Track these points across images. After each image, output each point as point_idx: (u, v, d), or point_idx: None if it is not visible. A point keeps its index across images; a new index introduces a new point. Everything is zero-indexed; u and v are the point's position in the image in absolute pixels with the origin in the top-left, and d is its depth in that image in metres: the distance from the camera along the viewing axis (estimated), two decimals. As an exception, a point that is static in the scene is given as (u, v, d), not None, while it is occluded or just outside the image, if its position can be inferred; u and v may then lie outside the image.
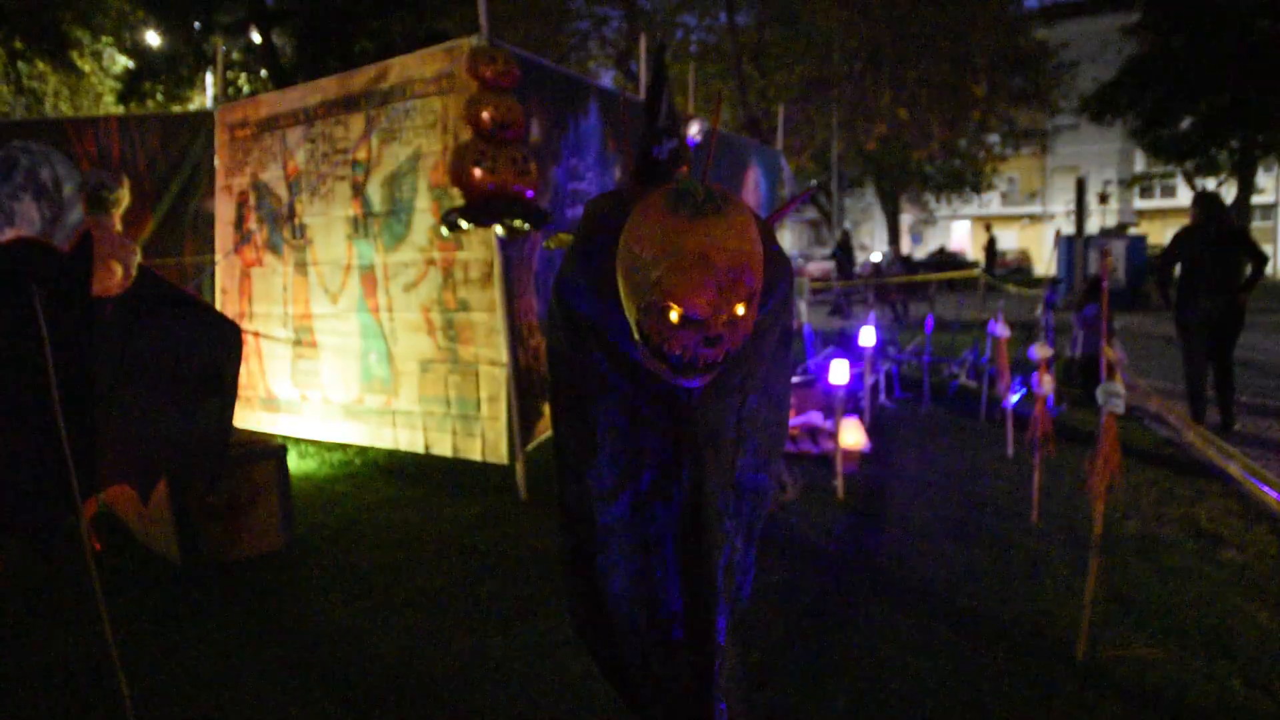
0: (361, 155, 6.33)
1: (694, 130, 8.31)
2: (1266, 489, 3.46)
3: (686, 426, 1.86)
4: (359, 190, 6.38)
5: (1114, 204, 37.66)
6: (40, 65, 19.85)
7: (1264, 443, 7.02)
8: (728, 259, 1.58)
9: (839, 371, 5.70)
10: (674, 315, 1.61)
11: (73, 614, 4.20)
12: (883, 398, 9.06)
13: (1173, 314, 7.80)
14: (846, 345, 9.63)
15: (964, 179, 31.89)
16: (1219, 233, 7.41)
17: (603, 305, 1.85)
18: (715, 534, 1.91)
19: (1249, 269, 7.36)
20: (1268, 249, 34.78)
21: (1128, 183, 36.28)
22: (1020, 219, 47.79)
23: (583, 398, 1.94)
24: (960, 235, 49.30)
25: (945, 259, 29.45)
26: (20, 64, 19.56)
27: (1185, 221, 7.77)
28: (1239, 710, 3.18)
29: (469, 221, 5.18)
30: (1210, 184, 29.52)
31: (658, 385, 1.84)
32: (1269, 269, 31.55)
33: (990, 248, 27.95)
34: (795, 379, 7.86)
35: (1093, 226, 32.20)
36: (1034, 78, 24.75)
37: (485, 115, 5.19)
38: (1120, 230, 28.25)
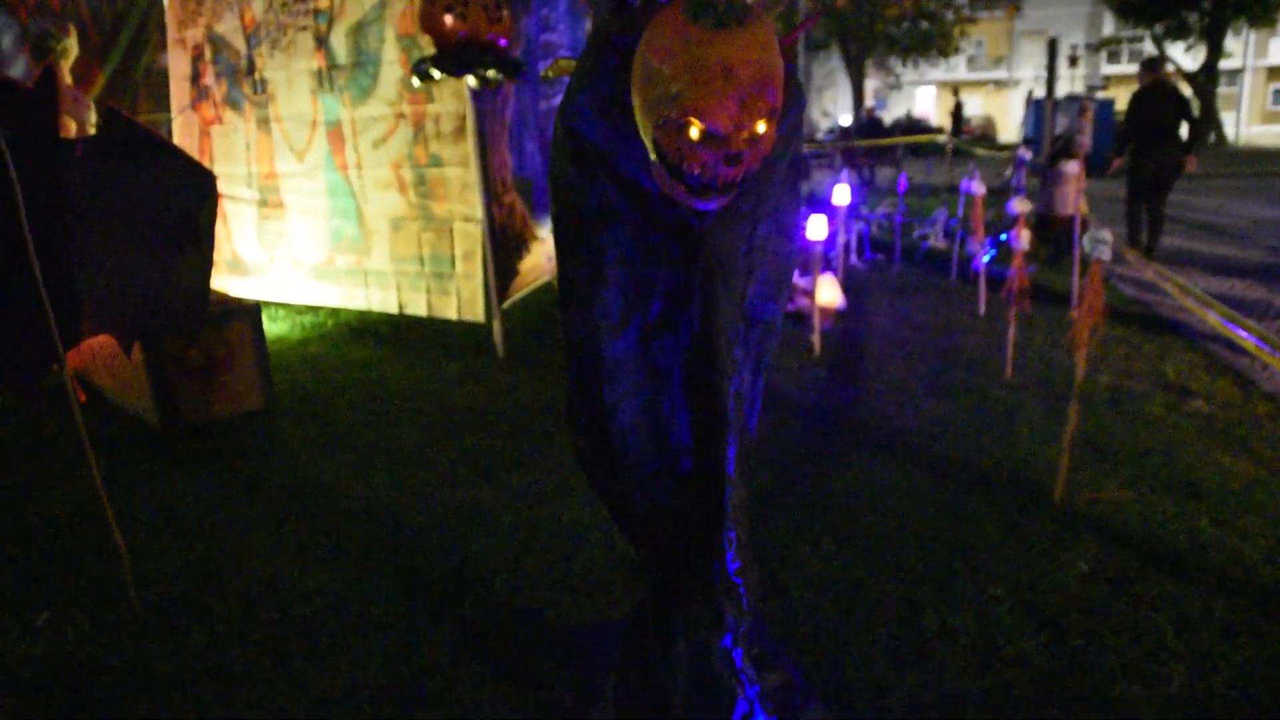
0: (324, 3, 6.03)
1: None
2: (1242, 332, 3.52)
3: (696, 255, 1.82)
4: (322, 41, 6.10)
5: (1082, 69, 37.23)
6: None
7: (1225, 299, 7.14)
8: (751, 72, 1.51)
9: (817, 226, 5.66)
10: (694, 131, 1.55)
11: (57, 469, 4.18)
12: (853, 259, 9.06)
13: (1126, 168, 9.07)
14: (816, 205, 9.56)
15: (931, 41, 31.26)
16: (1163, 95, 8.72)
17: (612, 131, 1.78)
18: (725, 363, 1.90)
19: (1185, 129, 8.68)
20: (1233, 113, 34.77)
21: (1096, 46, 35.80)
22: (986, 84, 47.14)
23: (589, 227, 1.89)
24: (926, 101, 48.62)
25: (912, 124, 29.11)
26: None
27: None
28: (1206, 545, 3.32)
29: (441, 71, 4.99)
30: (1179, 47, 29.24)
31: (668, 213, 1.79)
32: (1235, 133, 31.61)
33: (957, 113, 27.62)
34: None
35: (1061, 91, 31.89)
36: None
37: (455, -43, 4.93)
38: (1089, 94, 28.02)
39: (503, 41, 5.14)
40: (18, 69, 6.75)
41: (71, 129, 5.43)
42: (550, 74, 3.15)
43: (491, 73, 5.10)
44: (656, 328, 1.94)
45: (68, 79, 5.80)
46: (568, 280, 1.99)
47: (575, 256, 1.95)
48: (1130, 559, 3.23)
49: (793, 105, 1.84)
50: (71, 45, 5.78)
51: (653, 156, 1.65)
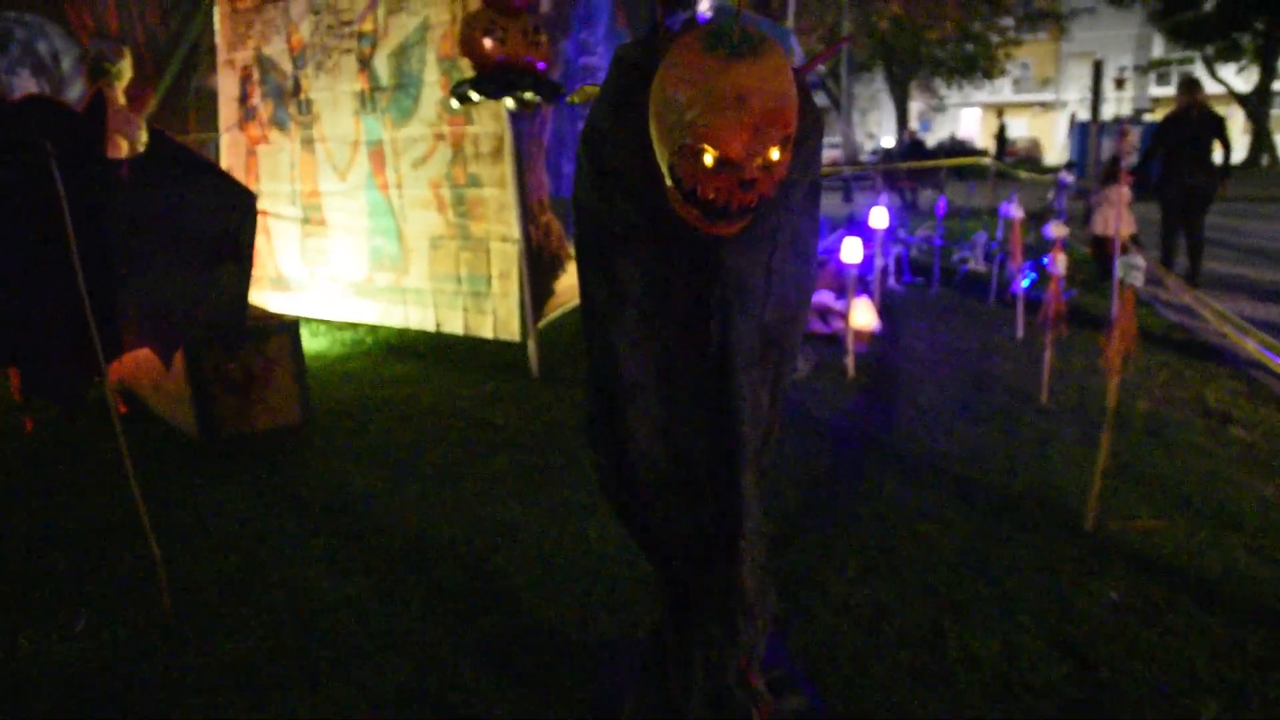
0: (367, 27, 6.16)
1: (704, 6, 8.10)
2: (1281, 362, 3.47)
3: (714, 277, 1.85)
4: (366, 64, 6.23)
5: (1130, 90, 36.82)
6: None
7: (1273, 326, 7.02)
8: (763, 101, 1.55)
9: (852, 249, 5.67)
10: (708, 158, 1.58)
11: (98, 479, 4.28)
12: (891, 281, 9.03)
13: (1155, 191, 9.11)
14: (856, 228, 9.55)
15: (976, 64, 31.10)
16: (1198, 117, 8.69)
17: (632, 155, 1.82)
18: (741, 385, 1.92)
19: (1220, 153, 8.66)
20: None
21: (1145, 68, 35.39)
22: (1032, 106, 46.80)
23: (610, 250, 1.92)
24: (970, 123, 48.35)
25: (956, 146, 28.96)
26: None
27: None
28: (1242, 577, 3.26)
29: (479, 93, 5.07)
30: (1231, 69, 28.79)
31: (687, 236, 1.82)
32: (1284, 157, 31.01)
33: (1001, 135, 27.44)
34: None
35: (1107, 113, 31.54)
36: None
37: (495, -18, 5.03)
38: (1135, 117, 27.69)
39: (541, 65, 5.22)
40: (76, 90, 6.96)
41: (124, 148, 5.59)
42: (576, 99, 3.19)
43: (529, 95, 5.18)
44: (675, 349, 1.97)
45: (121, 100, 5.97)
46: (588, 301, 2.03)
47: (596, 278, 1.99)
48: (1162, 589, 3.18)
49: (811, 131, 1.87)
50: (126, 67, 5.95)
51: (669, 182, 1.69)
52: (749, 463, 2.00)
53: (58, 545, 3.67)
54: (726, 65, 1.54)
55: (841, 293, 6.24)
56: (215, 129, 7.42)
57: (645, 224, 1.89)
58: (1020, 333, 6.78)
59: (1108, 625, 2.96)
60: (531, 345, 5.92)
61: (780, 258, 1.97)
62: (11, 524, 3.88)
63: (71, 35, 7.12)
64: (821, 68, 29.97)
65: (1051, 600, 3.10)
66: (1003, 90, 45.85)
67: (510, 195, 5.67)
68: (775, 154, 1.61)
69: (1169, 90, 41.56)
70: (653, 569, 2.31)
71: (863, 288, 7.50)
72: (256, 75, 7.02)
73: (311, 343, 6.94)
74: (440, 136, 5.97)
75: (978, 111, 48.10)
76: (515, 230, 5.72)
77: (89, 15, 7.19)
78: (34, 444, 4.80)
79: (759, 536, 2.09)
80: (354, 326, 7.30)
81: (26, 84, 7.19)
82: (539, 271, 5.94)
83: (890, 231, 8.81)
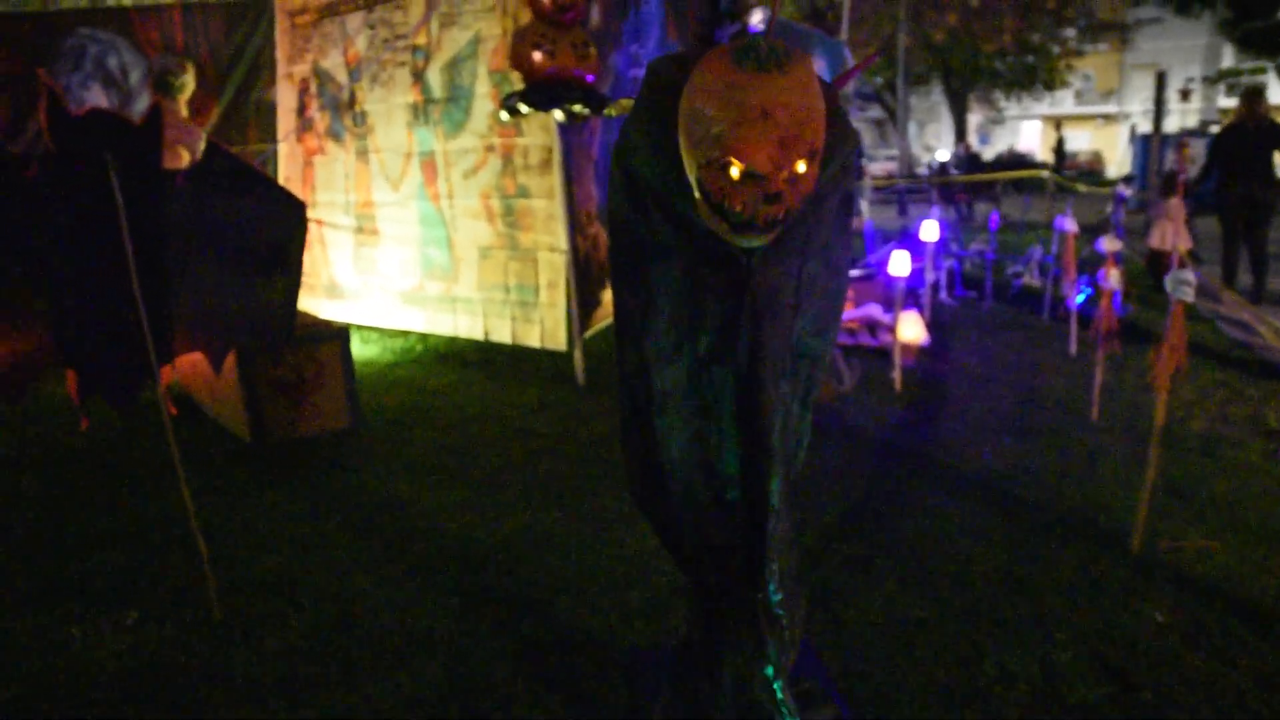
0: (421, 40, 6.28)
1: (756, 19, 8.14)
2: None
3: (745, 289, 1.87)
4: (419, 76, 6.35)
5: (1196, 102, 36.01)
6: (103, -46, 19.96)
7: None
8: (789, 114, 1.56)
9: (899, 262, 5.63)
10: (734, 171, 1.60)
11: (151, 479, 4.40)
12: (943, 295, 8.94)
13: (1213, 204, 9.01)
14: (908, 242, 9.48)
15: (1036, 75, 30.63)
16: (1256, 127, 8.54)
17: (664, 167, 1.84)
18: (771, 397, 1.93)
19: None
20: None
21: (1213, 79, 34.58)
22: (1094, 119, 45.93)
23: (642, 261, 1.95)
24: (1030, 135, 47.62)
25: (1014, 159, 28.55)
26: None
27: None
28: (1295, 600, 3.18)
29: (528, 106, 5.14)
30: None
31: (717, 248, 1.84)
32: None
33: (1059, 148, 26.95)
34: (855, 273, 7.78)
35: (1173, 125, 30.90)
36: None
37: (546, -3, 5.09)
38: (1202, 129, 27.06)
39: (589, 77, 5.27)
40: (143, 102, 7.19)
41: (185, 159, 5.76)
42: (613, 112, 3.25)
43: (578, 107, 5.23)
44: (706, 360, 1.98)
45: (184, 112, 6.16)
46: (621, 310, 2.05)
47: (629, 289, 2.01)
48: (1211, 611, 3.11)
49: (841, 145, 1.88)
50: (189, 81, 6.14)
51: (697, 194, 1.71)
52: (778, 473, 2.00)
53: (112, 542, 3.78)
54: (753, 79, 1.56)
55: (890, 306, 6.20)
56: (274, 140, 7.60)
57: (676, 235, 1.91)
58: (1073, 348, 6.67)
59: (1152, 647, 2.90)
60: (577, 355, 5.96)
61: (811, 269, 1.97)
62: (68, 520, 4.01)
63: (139, 50, 7.36)
64: (878, 79, 29.80)
65: (1094, 620, 3.05)
66: (1064, 102, 45.07)
67: (558, 206, 5.74)
68: (802, 167, 1.62)
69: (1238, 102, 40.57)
70: (684, 577, 2.33)
71: (912, 301, 7.45)
72: (314, 88, 7.18)
73: (363, 350, 7.07)
74: (491, 148, 6.06)
75: (1038, 124, 47.34)
76: (563, 241, 5.78)
77: (156, 31, 7.42)
78: (90, 443, 4.95)
79: (788, 547, 2.10)
80: (404, 334, 7.42)
81: (97, 97, 7.44)
82: (586, 282, 5.98)
83: (942, 245, 8.72)
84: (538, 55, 5.07)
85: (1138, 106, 41.58)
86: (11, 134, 6.99)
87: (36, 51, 7.18)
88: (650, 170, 1.88)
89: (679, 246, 1.92)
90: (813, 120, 1.60)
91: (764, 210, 1.64)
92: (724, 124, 1.58)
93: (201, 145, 6.00)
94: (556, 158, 5.66)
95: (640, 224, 1.94)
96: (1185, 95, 28.87)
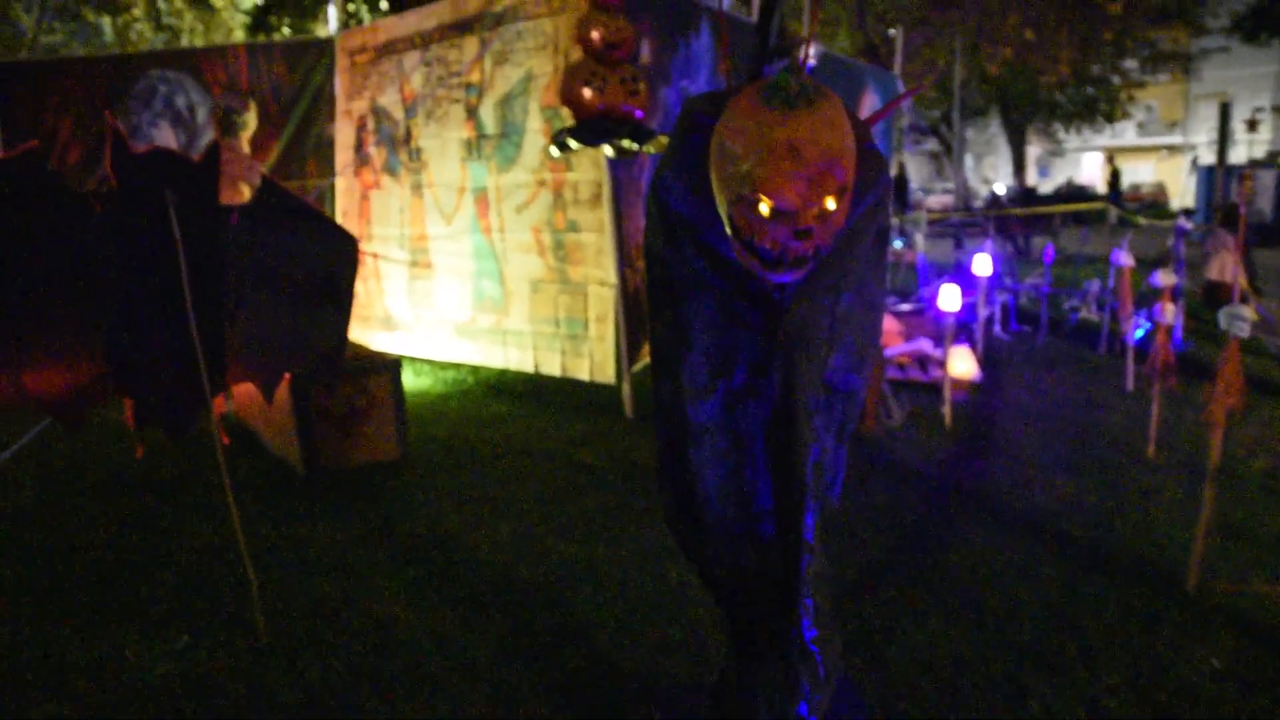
0: (475, 78, 6.41)
1: (810, 53, 8.19)
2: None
3: (778, 324, 1.88)
4: (472, 112, 6.48)
5: (1265, 133, 35.19)
6: (177, 3, 20.89)
7: None
8: (818, 152, 1.58)
9: (949, 298, 5.58)
10: (764, 208, 1.62)
11: (205, 505, 4.50)
12: (997, 329, 8.83)
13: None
14: (962, 276, 9.39)
15: (1096, 107, 30.21)
16: None
17: (698, 203, 1.87)
18: (805, 432, 1.94)
19: None
20: None
21: (1281, 110, 33.81)
22: (1157, 150, 45.11)
23: (677, 296, 1.97)
24: (1090, 168, 46.91)
25: (1073, 192, 28.11)
26: (159, 2, 20.65)
27: None
28: (1359, 647, 3.07)
29: (578, 141, 5.21)
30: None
31: (751, 283, 1.86)
32: None
33: (1114, 180, 26.36)
34: (905, 307, 7.73)
35: (1239, 157, 30.22)
36: (1178, -6, 22.96)
37: (595, 35, 5.18)
38: (1270, 160, 26.42)
39: (639, 113, 5.34)
40: (208, 139, 7.44)
41: (246, 194, 5.94)
42: (651, 149, 3.28)
43: (627, 143, 5.30)
44: (740, 394, 2.00)
45: (246, 149, 6.35)
46: (657, 345, 2.08)
47: (664, 323, 2.04)
48: (1271, 657, 3.02)
49: (875, 181, 1.89)
50: (251, 119, 6.33)
51: (729, 231, 1.73)
52: (812, 508, 2.00)
53: (166, 566, 3.87)
54: (781, 117, 1.59)
55: (940, 340, 6.14)
56: (332, 174, 7.80)
57: (710, 271, 1.93)
58: (1130, 384, 6.54)
59: (1206, 693, 2.82)
60: (626, 388, 6.00)
61: (845, 305, 1.98)
62: (126, 544, 4.12)
63: (206, 89, 7.63)
64: (934, 112, 29.63)
65: (1145, 663, 2.98)
66: (1125, 134, 44.34)
67: (608, 240, 5.80)
68: (831, 204, 1.64)
69: (1309, 133, 39.60)
70: (722, 612, 2.33)
71: (964, 335, 7.37)
72: (371, 124, 7.36)
73: (414, 381, 7.17)
74: (542, 183, 6.15)
75: (1098, 156, 46.64)
76: (612, 275, 5.83)
77: (222, 70, 7.69)
78: (146, 469, 5.08)
79: (823, 582, 2.09)
80: (456, 366, 7.52)
81: (165, 135, 7.73)
82: (634, 315, 6.02)
83: (996, 279, 8.63)
84: (587, 92, 5.15)
85: (1203, 137, 40.75)
86: (86, 171, 7.29)
87: (112, 92, 7.49)
88: (684, 206, 1.91)
89: (713, 282, 1.94)
90: (842, 157, 1.62)
91: (794, 246, 1.65)
92: (753, 161, 1.60)
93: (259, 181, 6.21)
94: (606, 192, 5.73)
95: (675, 259, 1.97)
96: (1252, 126, 28.21)
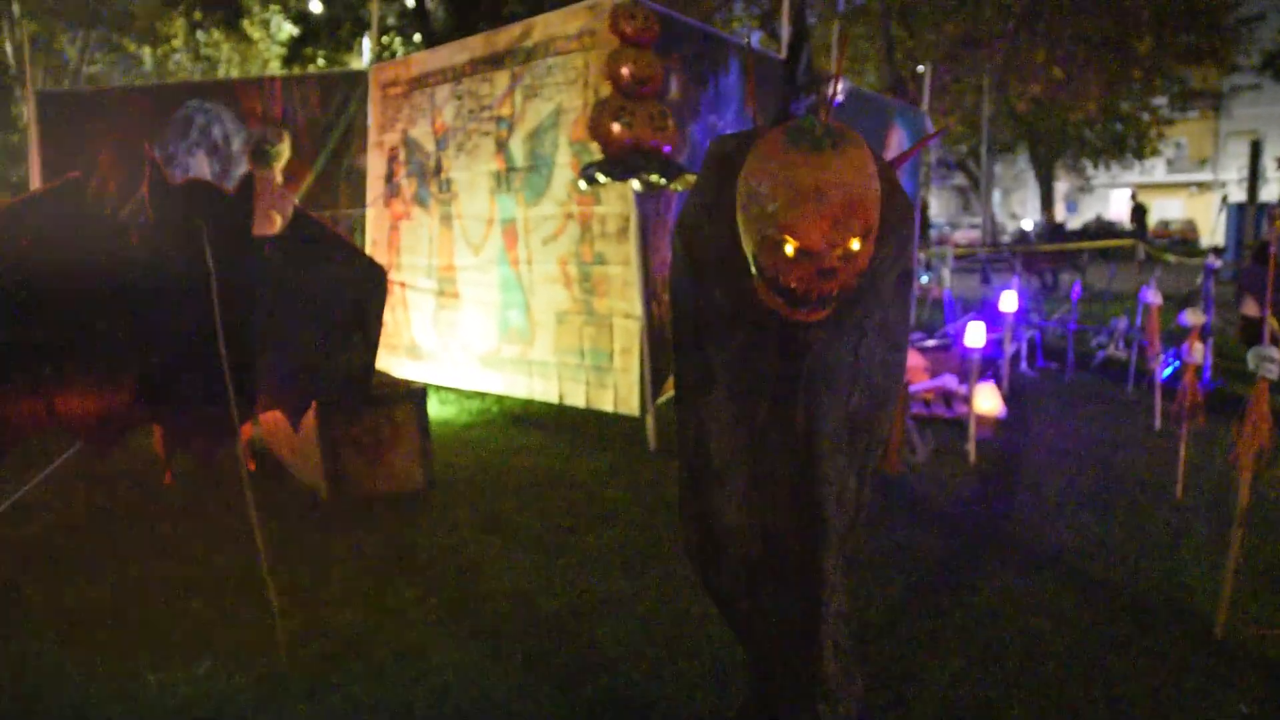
0: (505, 111, 6.50)
1: (839, 89, 8.27)
2: None
3: (802, 362, 1.90)
4: (502, 146, 6.57)
5: (1295, 172, 34.90)
6: (215, 34, 21.44)
7: None
8: (843, 193, 1.61)
9: (974, 334, 5.57)
10: (789, 248, 1.65)
11: (230, 531, 4.54)
12: (1024, 365, 8.78)
13: None
14: (987, 312, 9.36)
15: (1125, 144, 30.13)
16: None
17: (725, 242, 1.90)
18: (827, 469, 1.95)
19: None
20: None
21: (1313, 148, 33.57)
22: (1187, 187, 44.87)
23: (702, 332, 2.00)
24: (1119, 204, 46.69)
25: (1101, 228, 27.98)
26: (198, 34, 21.19)
27: None
28: (1391, 696, 3.02)
29: (606, 175, 5.28)
30: None
31: (775, 321, 1.88)
32: None
33: (1138, 216, 26.15)
34: (931, 342, 7.71)
35: (1271, 194, 30.00)
36: (1208, 34, 22.88)
37: (625, 71, 5.26)
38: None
39: (666, 148, 5.40)
40: (242, 169, 7.58)
41: (278, 224, 6.04)
42: (678, 187, 3.33)
43: (654, 177, 5.36)
44: (763, 431, 2.01)
45: (279, 179, 6.46)
46: (681, 381, 2.10)
47: (689, 360, 2.07)
48: (1299, 704, 2.98)
49: (900, 222, 1.91)
50: (285, 149, 6.45)
51: (754, 270, 1.75)
52: (833, 546, 2.01)
53: (192, 591, 3.91)
54: (806, 159, 1.62)
55: (965, 377, 6.12)
56: (363, 204, 7.91)
57: (735, 310, 1.95)
58: (1158, 423, 6.48)
59: (1234, 740, 2.79)
60: (650, 421, 6.02)
61: (868, 345, 2.00)
62: (153, 569, 4.16)
63: (241, 120, 7.80)
64: (962, 148, 29.65)
65: (1171, 709, 2.94)
66: (1155, 170, 44.19)
67: (634, 273, 5.84)
68: (856, 244, 1.67)
69: (1341, 171, 39.22)
70: (741, 647, 2.33)
71: (990, 372, 7.34)
72: (402, 155, 7.48)
73: (440, 410, 7.22)
74: (570, 215, 6.21)
75: (1128, 192, 46.46)
76: (638, 307, 5.87)
77: (258, 102, 7.85)
78: (174, 496, 5.14)
79: (842, 621, 2.09)
80: (481, 396, 7.57)
81: (200, 164, 7.89)
82: (659, 348, 6.05)
83: (1022, 315, 8.59)
84: (616, 126, 5.22)
85: (1234, 174, 40.49)
86: (124, 200, 7.44)
87: (152, 122, 7.67)
88: (710, 244, 1.94)
89: (737, 319, 1.96)
90: (867, 199, 1.64)
91: (818, 286, 1.68)
92: (778, 203, 1.63)
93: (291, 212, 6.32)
94: (633, 226, 5.78)
95: (700, 296, 2.00)
96: (1283, 164, 28.01)
